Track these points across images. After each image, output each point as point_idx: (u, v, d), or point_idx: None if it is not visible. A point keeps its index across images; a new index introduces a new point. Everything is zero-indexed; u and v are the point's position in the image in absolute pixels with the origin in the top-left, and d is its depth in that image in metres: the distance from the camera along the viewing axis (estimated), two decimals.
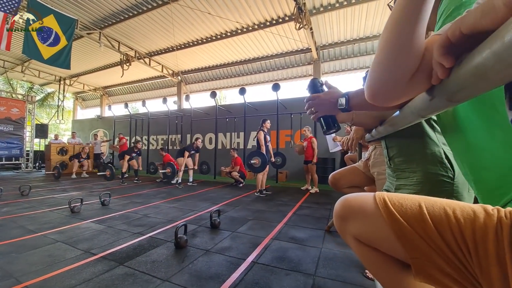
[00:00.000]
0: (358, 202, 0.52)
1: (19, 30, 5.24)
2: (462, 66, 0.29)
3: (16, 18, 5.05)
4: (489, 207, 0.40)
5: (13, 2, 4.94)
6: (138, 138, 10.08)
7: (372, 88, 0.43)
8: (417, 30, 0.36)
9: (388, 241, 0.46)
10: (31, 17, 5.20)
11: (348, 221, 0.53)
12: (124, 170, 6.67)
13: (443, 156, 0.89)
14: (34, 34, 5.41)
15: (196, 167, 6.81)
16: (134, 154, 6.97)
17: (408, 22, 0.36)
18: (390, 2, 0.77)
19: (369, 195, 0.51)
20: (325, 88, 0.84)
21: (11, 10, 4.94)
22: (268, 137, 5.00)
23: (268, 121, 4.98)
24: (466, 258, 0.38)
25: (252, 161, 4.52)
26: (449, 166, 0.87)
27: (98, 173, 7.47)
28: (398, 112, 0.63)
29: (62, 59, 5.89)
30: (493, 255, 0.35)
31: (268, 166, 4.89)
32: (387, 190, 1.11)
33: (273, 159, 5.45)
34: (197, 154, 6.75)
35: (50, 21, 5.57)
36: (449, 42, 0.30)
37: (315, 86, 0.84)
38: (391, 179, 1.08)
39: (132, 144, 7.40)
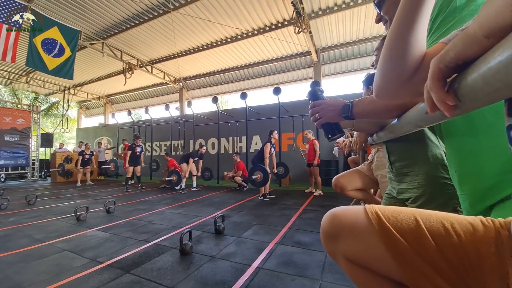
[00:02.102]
0: (348, 218, 0.48)
1: (19, 30, 5.21)
2: (455, 87, 0.30)
3: (17, 17, 5.09)
4: (484, 219, 0.39)
5: (6, 10, 5.00)
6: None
7: (376, 86, 0.46)
8: (411, 41, 0.38)
9: (382, 260, 0.42)
10: (31, 17, 5.25)
11: (338, 239, 0.48)
12: (129, 175, 6.71)
13: (445, 158, 0.90)
14: (38, 45, 5.53)
15: (199, 174, 6.83)
16: (139, 149, 6.86)
17: (402, 33, 0.39)
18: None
19: (360, 208, 0.47)
20: (325, 96, 0.85)
21: (4, 19, 5.00)
22: (273, 149, 5.08)
23: (275, 132, 5.06)
24: (469, 275, 0.36)
25: (253, 177, 4.51)
26: None
27: (103, 166, 7.40)
28: (396, 120, 0.64)
29: (65, 70, 6.02)
30: (497, 269, 0.34)
31: (270, 175, 4.93)
32: (389, 194, 1.12)
33: (275, 170, 5.49)
34: (201, 161, 6.79)
35: (54, 33, 5.70)
36: (442, 77, 0.30)
37: (315, 93, 0.85)
38: (394, 184, 1.09)
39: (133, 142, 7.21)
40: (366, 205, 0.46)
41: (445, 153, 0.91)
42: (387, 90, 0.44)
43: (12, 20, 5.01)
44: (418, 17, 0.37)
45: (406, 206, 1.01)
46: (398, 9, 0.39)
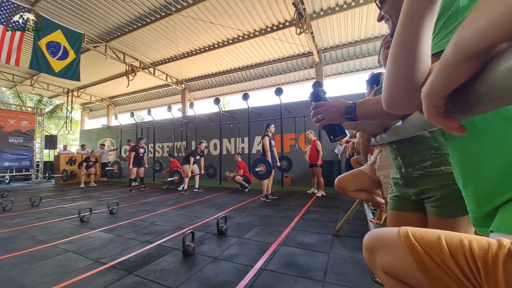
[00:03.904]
0: (384, 235, 0.56)
1: (19, 30, 5.22)
2: (458, 93, 0.30)
3: (16, 18, 5.12)
4: (505, 241, 0.41)
5: (8, 12, 5.04)
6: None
7: (385, 99, 0.48)
8: (415, 56, 0.38)
9: (413, 273, 0.48)
10: (31, 17, 5.29)
11: (375, 253, 0.57)
12: (132, 177, 6.73)
13: None
14: (44, 48, 5.59)
15: (202, 172, 6.81)
16: (142, 150, 6.91)
17: (405, 48, 0.39)
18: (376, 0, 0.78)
19: (395, 229, 0.54)
20: (327, 97, 0.85)
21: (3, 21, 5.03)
22: (273, 142, 5.02)
23: (272, 125, 5.00)
24: (482, 287, 0.39)
25: (257, 169, 4.48)
26: None
27: (107, 168, 7.58)
28: (400, 122, 0.63)
29: (71, 72, 6.10)
30: (503, 284, 0.36)
31: (274, 171, 4.89)
32: (397, 196, 1.06)
33: (279, 164, 5.44)
34: (202, 159, 6.74)
35: (58, 36, 5.77)
36: (442, 108, 0.32)
37: (318, 94, 0.85)
38: (406, 187, 1.01)
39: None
40: (402, 227, 0.53)
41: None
42: (397, 103, 0.46)
43: (12, 20, 5.04)
44: (421, 33, 0.36)
45: (424, 206, 0.96)
46: (398, 24, 0.39)
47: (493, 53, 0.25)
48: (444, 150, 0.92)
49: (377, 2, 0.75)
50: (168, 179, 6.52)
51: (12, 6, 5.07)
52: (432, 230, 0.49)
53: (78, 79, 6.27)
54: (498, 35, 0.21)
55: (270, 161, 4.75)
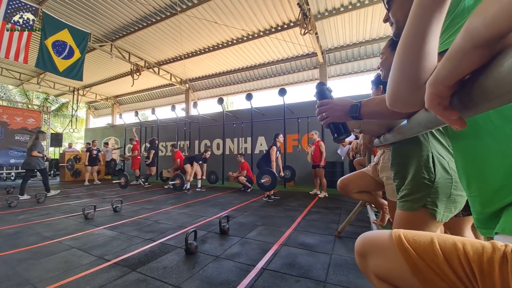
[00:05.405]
0: (376, 239, 0.55)
1: (19, 30, 5.28)
2: (464, 89, 0.30)
3: (16, 18, 5.18)
4: (499, 243, 0.41)
5: (10, 8, 5.10)
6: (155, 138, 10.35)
7: (389, 96, 0.48)
8: (422, 54, 0.39)
9: (406, 277, 0.47)
10: (31, 17, 5.35)
11: (367, 257, 0.55)
12: (153, 173, 7.00)
13: (430, 160, 0.92)
14: (49, 47, 5.67)
15: (204, 177, 6.87)
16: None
17: (413, 46, 0.39)
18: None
19: (387, 232, 0.53)
20: (333, 95, 0.85)
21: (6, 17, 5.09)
22: (278, 153, 5.12)
23: (281, 135, 5.08)
24: None
25: (262, 181, 4.46)
26: (432, 170, 0.90)
27: (114, 181, 7.64)
28: (406, 121, 0.63)
29: (75, 71, 6.17)
30: (499, 287, 0.36)
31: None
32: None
33: (282, 174, 5.51)
34: (205, 165, 6.83)
35: (64, 35, 5.85)
36: (445, 99, 0.32)
37: (323, 92, 0.84)
38: (394, 180, 1.14)
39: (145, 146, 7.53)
40: (393, 229, 0.52)
41: (432, 154, 0.92)
42: (401, 100, 0.46)
43: (13, 20, 5.10)
44: (429, 31, 0.37)
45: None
46: (408, 21, 0.39)
47: (504, 45, 0.24)
48: (415, 152, 0.98)
49: (385, 3, 0.75)
50: (170, 182, 6.59)
51: (20, 4, 5.15)
52: (424, 233, 0.49)
53: (81, 79, 6.35)
54: (506, 23, 0.21)
55: (275, 171, 4.83)
